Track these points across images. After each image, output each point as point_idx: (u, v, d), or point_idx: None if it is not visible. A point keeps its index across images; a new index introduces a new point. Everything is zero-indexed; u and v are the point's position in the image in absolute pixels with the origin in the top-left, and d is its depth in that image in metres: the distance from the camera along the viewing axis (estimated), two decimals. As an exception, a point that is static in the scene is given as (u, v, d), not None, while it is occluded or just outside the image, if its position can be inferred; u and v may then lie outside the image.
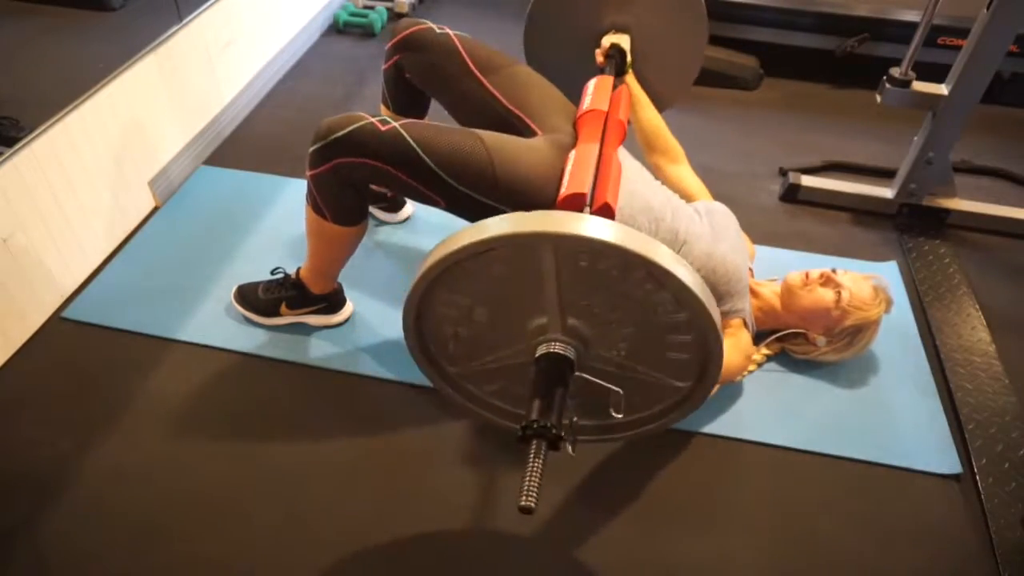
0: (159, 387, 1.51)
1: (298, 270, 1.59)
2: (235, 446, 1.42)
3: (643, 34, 1.76)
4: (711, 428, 1.48)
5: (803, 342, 1.58)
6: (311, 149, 1.32)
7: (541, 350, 1.00)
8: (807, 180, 2.14)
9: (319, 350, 1.60)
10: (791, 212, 2.12)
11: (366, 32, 2.94)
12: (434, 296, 1.03)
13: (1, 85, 1.52)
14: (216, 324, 1.64)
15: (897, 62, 1.88)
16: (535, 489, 0.87)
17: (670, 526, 1.33)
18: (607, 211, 1.22)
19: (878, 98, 1.92)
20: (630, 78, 1.73)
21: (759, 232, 1.95)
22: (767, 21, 2.66)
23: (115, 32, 1.83)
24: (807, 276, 1.53)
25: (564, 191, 1.24)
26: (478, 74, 1.51)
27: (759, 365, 1.61)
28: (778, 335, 1.59)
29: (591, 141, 1.34)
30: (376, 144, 1.28)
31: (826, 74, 2.76)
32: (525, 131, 1.47)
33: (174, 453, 1.40)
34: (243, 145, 2.26)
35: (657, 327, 0.97)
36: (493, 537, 1.30)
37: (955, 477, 1.42)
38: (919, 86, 1.87)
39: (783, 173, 2.25)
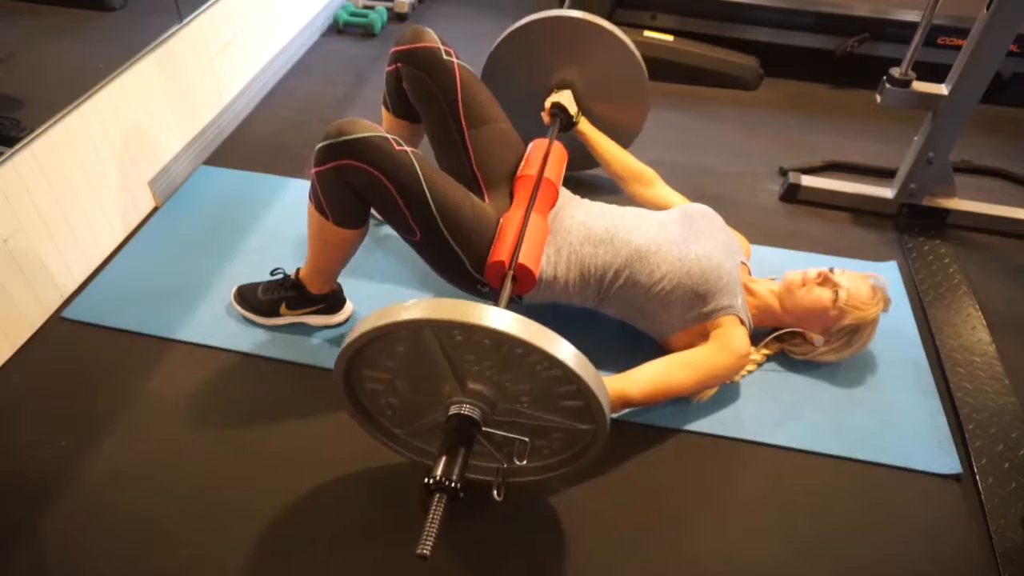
0: (159, 387, 1.51)
1: (298, 270, 1.59)
2: (235, 446, 1.42)
3: (586, 81, 1.92)
4: (710, 428, 1.48)
5: (801, 342, 1.58)
6: (319, 145, 1.32)
7: (452, 411, 1.12)
8: (807, 180, 2.14)
9: (319, 350, 1.60)
10: (791, 212, 2.12)
11: (366, 32, 2.94)
12: (360, 374, 1.16)
13: (1, 85, 1.52)
14: (216, 324, 1.64)
15: (897, 62, 1.88)
16: (432, 538, 0.99)
17: (669, 526, 1.33)
18: (524, 271, 1.40)
19: (878, 98, 1.92)
20: (583, 125, 1.88)
21: (759, 232, 1.95)
22: (767, 21, 2.67)
23: (115, 32, 1.83)
24: (805, 276, 1.53)
25: (489, 259, 1.41)
26: (463, 121, 1.57)
27: (759, 365, 1.61)
28: (776, 334, 1.59)
29: (519, 208, 1.48)
30: (387, 159, 1.32)
31: (826, 74, 2.76)
32: (477, 192, 1.57)
33: (174, 453, 1.40)
34: (243, 145, 2.26)
35: (544, 382, 1.07)
36: (492, 535, 1.30)
37: (955, 477, 1.42)
38: (919, 86, 1.87)
39: (783, 173, 2.25)
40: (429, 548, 0.99)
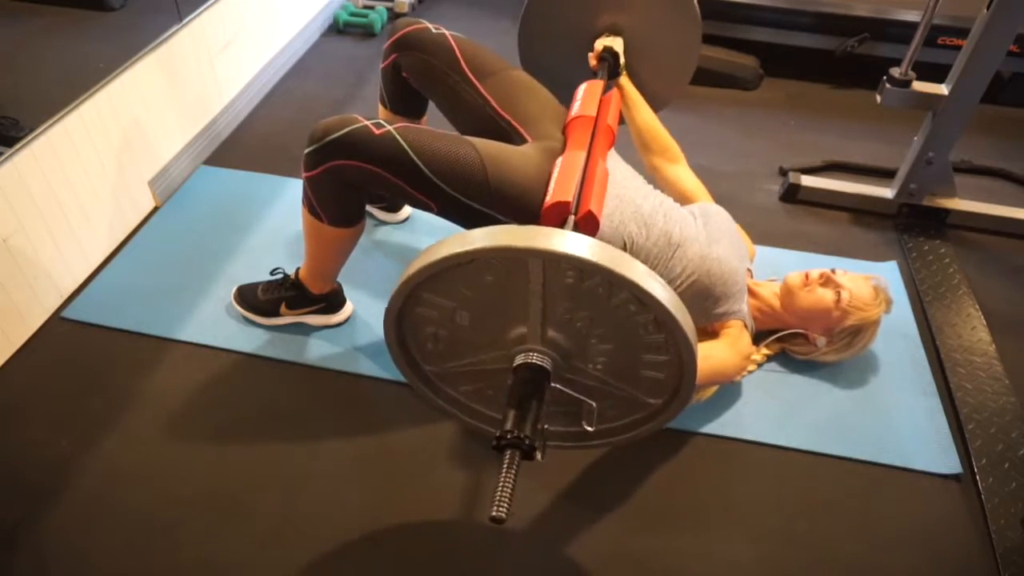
0: (159, 387, 1.51)
1: (297, 270, 1.59)
2: (235, 446, 1.42)
3: (637, 35, 1.76)
4: (711, 428, 1.48)
5: (803, 342, 1.58)
6: (306, 151, 1.32)
7: (519, 360, 1.02)
8: (807, 180, 2.14)
9: (319, 350, 1.60)
10: (791, 212, 2.12)
11: (366, 32, 2.94)
12: (420, 297, 1.05)
13: (1, 85, 1.52)
14: (216, 324, 1.64)
15: (897, 62, 1.88)
16: (507, 499, 0.89)
17: (670, 526, 1.33)
18: (590, 219, 1.23)
19: (878, 98, 1.92)
20: (624, 80, 1.73)
21: (759, 232, 1.95)
22: (767, 21, 2.66)
23: (115, 32, 1.83)
24: (807, 276, 1.53)
25: (548, 200, 1.26)
26: (472, 77, 1.51)
27: (759, 365, 1.61)
28: (778, 335, 1.59)
29: (578, 148, 1.35)
30: (371, 147, 1.28)
31: (826, 74, 2.76)
32: (516, 137, 1.47)
33: (174, 453, 1.40)
34: (243, 145, 2.26)
35: (636, 346, 0.99)
36: (491, 535, 1.30)
37: (955, 477, 1.42)
38: (919, 86, 1.87)
39: (783, 173, 2.25)
40: (505, 510, 0.89)
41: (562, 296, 0.96)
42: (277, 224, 1.93)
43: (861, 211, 2.11)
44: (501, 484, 0.90)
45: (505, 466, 0.92)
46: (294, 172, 2.11)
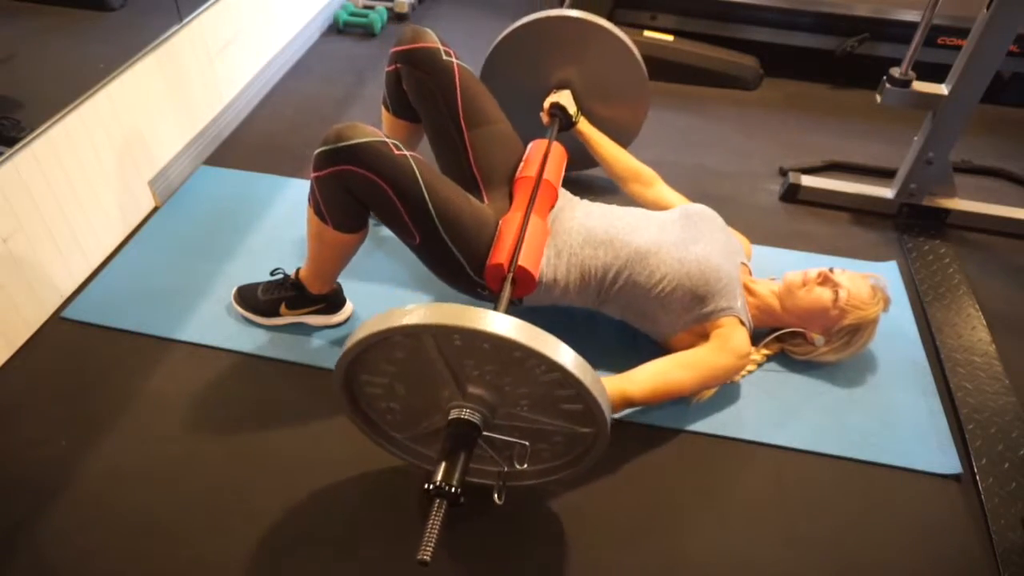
0: (159, 387, 1.51)
1: (297, 270, 1.59)
2: (235, 446, 1.42)
3: (587, 81, 1.91)
4: (711, 428, 1.48)
5: (802, 342, 1.58)
6: (318, 151, 1.32)
7: (452, 415, 1.11)
8: (807, 180, 2.14)
9: (319, 350, 1.60)
10: (791, 212, 2.12)
11: (366, 32, 2.94)
12: (359, 379, 1.15)
13: (1, 85, 1.52)
14: (216, 324, 1.64)
15: (897, 62, 1.88)
16: (432, 544, 0.99)
17: (670, 526, 1.33)
18: (524, 273, 1.39)
19: (878, 98, 1.92)
20: (583, 125, 1.87)
21: (759, 232, 1.95)
22: (767, 21, 2.66)
23: (115, 32, 1.83)
24: (806, 276, 1.53)
25: (488, 262, 1.41)
26: (462, 121, 1.57)
27: (759, 365, 1.61)
28: (777, 334, 1.59)
29: (518, 210, 1.48)
30: (387, 164, 1.32)
31: (826, 74, 2.76)
32: (475, 193, 1.56)
33: (174, 453, 1.40)
34: (243, 145, 2.26)
35: (544, 386, 1.07)
36: (491, 536, 1.30)
37: (955, 477, 1.42)
38: (919, 86, 1.87)
39: (783, 173, 2.25)
40: (429, 554, 0.98)
41: (462, 356, 1.05)
42: (277, 224, 1.93)
43: (861, 211, 2.11)
44: (428, 530, 1.00)
45: (433, 513, 1.02)
46: (294, 172, 2.11)
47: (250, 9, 2.32)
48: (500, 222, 1.47)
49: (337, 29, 2.96)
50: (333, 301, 1.63)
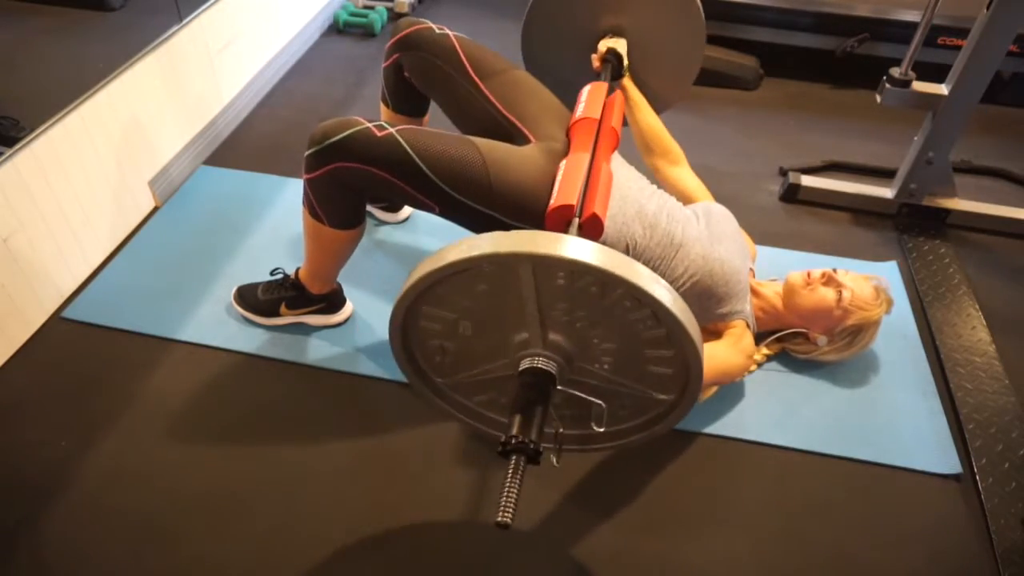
0: (159, 387, 1.51)
1: (297, 270, 1.59)
2: (235, 446, 1.42)
3: (640, 36, 1.77)
4: (712, 428, 1.48)
5: (804, 342, 1.58)
6: (307, 153, 1.32)
7: (524, 364, 1.01)
8: (807, 180, 2.14)
9: (319, 350, 1.60)
10: (791, 212, 2.12)
11: (366, 32, 2.94)
12: (419, 311, 1.05)
13: (1, 85, 1.52)
14: (216, 324, 1.64)
15: (897, 62, 1.88)
16: (512, 505, 0.89)
17: (670, 526, 1.33)
18: (595, 222, 1.23)
19: (878, 98, 1.92)
20: (627, 82, 1.73)
21: (759, 232, 1.95)
22: (767, 21, 2.66)
23: (115, 32, 1.83)
24: (809, 276, 1.53)
25: (553, 203, 1.26)
26: (475, 77, 1.51)
27: (760, 365, 1.61)
28: (779, 335, 1.59)
29: (582, 150, 1.34)
30: (372, 149, 1.28)
31: (826, 74, 2.76)
32: (519, 138, 1.47)
33: (174, 453, 1.40)
34: (243, 145, 2.26)
35: (638, 342, 0.98)
36: (491, 536, 1.30)
37: (955, 477, 1.42)
38: (919, 86, 1.87)
39: (783, 173, 2.25)
40: (511, 515, 0.88)
41: (557, 298, 0.96)
42: (277, 224, 1.93)
43: (861, 211, 2.11)
44: (507, 489, 0.90)
45: (511, 471, 0.92)
46: (294, 172, 2.11)
47: (250, 9, 2.32)
48: (564, 163, 1.34)
49: (337, 29, 2.95)
50: (333, 301, 1.63)
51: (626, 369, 1.03)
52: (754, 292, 1.58)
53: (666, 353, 0.98)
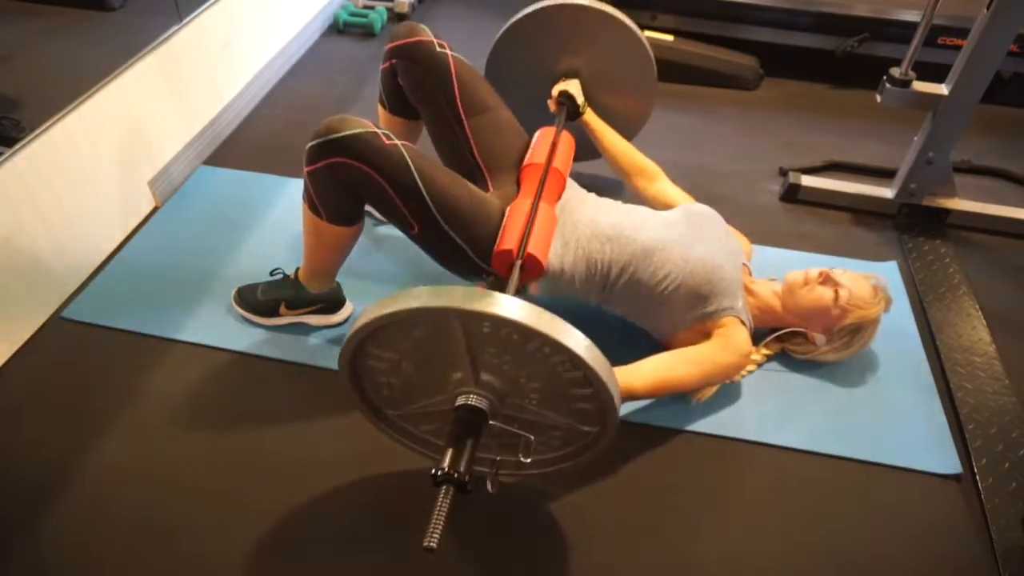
0: (159, 387, 1.51)
1: (297, 270, 1.59)
2: (234, 446, 1.42)
3: (595, 71, 1.89)
4: (711, 428, 1.48)
5: (803, 341, 1.58)
6: (309, 144, 1.32)
7: (459, 400, 1.10)
8: (807, 180, 2.14)
9: (319, 350, 1.60)
10: (791, 212, 2.12)
11: (366, 32, 2.94)
12: (366, 351, 1.14)
13: (1, 85, 1.52)
14: (216, 324, 1.64)
15: (897, 62, 1.88)
16: (438, 531, 0.98)
17: (669, 526, 1.33)
18: (533, 261, 1.38)
19: (878, 98, 1.92)
20: (589, 115, 1.84)
21: (759, 232, 1.95)
22: (767, 21, 2.67)
23: (115, 32, 1.83)
24: (807, 275, 1.53)
25: (496, 247, 1.40)
26: (461, 111, 1.57)
27: (759, 365, 1.61)
28: (777, 334, 1.59)
29: (526, 196, 1.47)
30: (377, 154, 1.31)
31: (826, 74, 2.76)
32: (481, 182, 1.56)
33: (174, 453, 1.40)
34: (243, 145, 2.26)
35: (561, 382, 1.07)
36: (491, 535, 1.30)
37: (955, 477, 1.42)
38: (919, 86, 1.87)
39: (783, 173, 2.25)
40: (436, 541, 0.97)
41: (486, 343, 1.04)
42: (277, 224, 1.93)
43: (861, 211, 2.11)
44: (435, 517, 0.99)
45: (440, 500, 1.01)
46: (294, 172, 2.11)
47: (250, 9, 2.32)
48: (508, 208, 1.46)
49: (337, 29, 2.96)
50: (333, 301, 1.63)
51: (553, 405, 1.12)
52: (751, 291, 1.58)
53: (586, 391, 1.06)
